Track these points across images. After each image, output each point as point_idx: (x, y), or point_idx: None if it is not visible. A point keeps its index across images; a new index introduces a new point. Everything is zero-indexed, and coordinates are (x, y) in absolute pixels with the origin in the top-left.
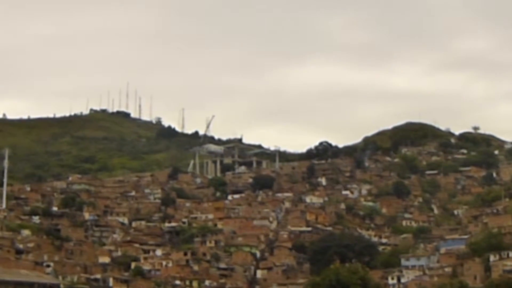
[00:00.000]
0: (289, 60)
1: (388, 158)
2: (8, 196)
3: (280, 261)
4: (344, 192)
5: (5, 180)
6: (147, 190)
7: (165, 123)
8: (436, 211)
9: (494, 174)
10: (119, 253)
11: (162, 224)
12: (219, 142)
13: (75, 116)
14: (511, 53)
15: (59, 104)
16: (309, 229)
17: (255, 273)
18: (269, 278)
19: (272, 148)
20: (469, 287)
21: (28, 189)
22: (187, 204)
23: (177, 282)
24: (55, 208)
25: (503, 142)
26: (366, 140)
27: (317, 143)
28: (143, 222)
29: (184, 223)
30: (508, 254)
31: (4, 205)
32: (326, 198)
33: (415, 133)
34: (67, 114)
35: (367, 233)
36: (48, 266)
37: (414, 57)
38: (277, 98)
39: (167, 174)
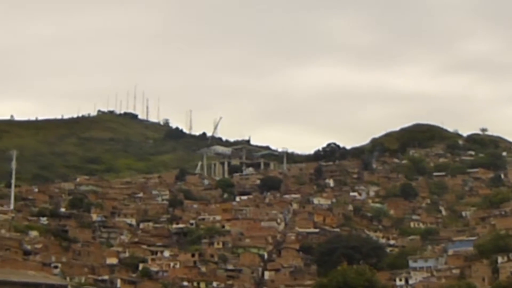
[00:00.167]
0: (298, 62)
1: (395, 160)
2: (15, 197)
3: (287, 263)
4: (351, 194)
5: (12, 181)
6: (154, 192)
7: (173, 124)
8: (443, 212)
9: (502, 176)
10: (127, 254)
11: (170, 226)
12: (226, 143)
13: (83, 117)
14: None
15: (66, 105)
16: (317, 230)
17: (262, 275)
18: (276, 280)
19: (279, 150)
20: None
21: (36, 190)
22: (195, 206)
23: (185, 283)
24: (62, 209)
25: (511, 143)
26: (374, 141)
27: (324, 145)
28: (150, 224)
29: (191, 224)
30: None
31: (11, 206)
32: (333, 200)
33: (422, 135)
34: (75, 115)
35: (374, 234)
36: (56, 267)
37: (421, 58)
38: (285, 100)
39: (174, 176)
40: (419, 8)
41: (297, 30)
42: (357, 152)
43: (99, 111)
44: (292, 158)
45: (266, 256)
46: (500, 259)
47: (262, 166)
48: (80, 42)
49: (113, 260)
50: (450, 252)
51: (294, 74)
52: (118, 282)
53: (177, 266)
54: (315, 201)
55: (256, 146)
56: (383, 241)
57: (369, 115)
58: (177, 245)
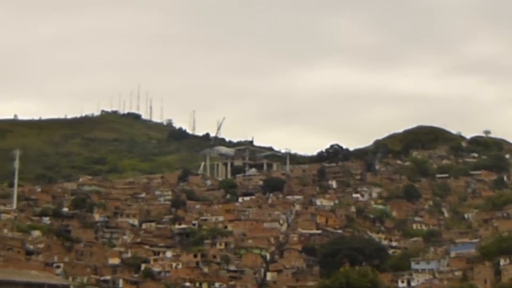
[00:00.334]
0: (301, 63)
1: (398, 161)
2: (18, 197)
3: (290, 264)
4: (354, 195)
5: (15, 181)
6: (157, 192)
7: (176, 125)
8: (446, 214)
9: (505, 178)
10: (129, 255)
11: (172, 226)
12: (229, 144)
13: (86, 117)
14: None
15: (70, 105)
16: (319, 232)
17: (265, 276)
18: (279, 281)
19: (282, 151)
20: None
21: (39, 190)
22: (197, 206)
23: (187, 284)
24: (65, 209)
25: None
26: (377, 143)
27: (328, 146)
28: (153, 224)
29: (194, 225)
30: None
31: (14, 206)
32: (336, 201)
33: (426, 137)
34: (78, 116)
35: (377, 236)
36: (58, 267)
37: (425, 60)
38: (288, 101)
39: (177, 176)
40: (422, 9)
41: (300, 31)
42: (360, 154)
43: (102, 111)
44: (295, 159)
45: (268, 257)
46: (502, 261)
47: (265, 167)
48: (84, 43)
49: (115, 260)
50: (453, 254)
51: (297, 75)
52: (121, 282)
53: (180, 266)
54: (318, 202)
55: (259, 147)
56: (385, 242)
57: (372, 117)
58: (180, 245)
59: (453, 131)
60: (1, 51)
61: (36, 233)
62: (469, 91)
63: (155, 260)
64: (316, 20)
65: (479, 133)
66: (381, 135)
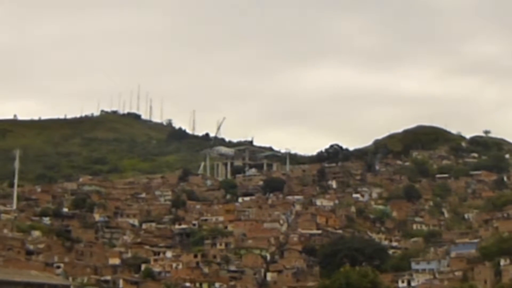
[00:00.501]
0: (301, 63)
1: (399, 162)
2: (18, 197)
3: (290, 264)
4: (354, 196)
5: (15, 181)
6: (157, 192)
7: (176, 125)
8: (446, 215)
9: (505, 178)
10: (129, 255)
11: (173, 226)
12: (229, 144)
13: (86, 117)
14: None
15: (70, 105)
16: (320, 232)
17: (265, 276)
18: (279, 281)
19: (283, 151)
20: None
21: (39, 190)
22: (198, 206)
23: (187, 284)
24: (65, 209)
25: None
26: (377, 143)
27: (328, 146)
28: (153, 224)
29: (194, 225)
30: None
31: (14, 206)
32: (336, 201)
33: (426, 137)
34: (78, 115)
35: (377, 236)
36: (58, 267)
37: (426, 61)
38: (288, 101)
39: (177, 176)
40: (422, 10)
41: (300, 32)
42: (360, 154)
43: (102, 111)
44: (295, 159)
45: (268, 257)
46: (503, 262)
47: (265, 167)
48: (84, 43)
49: (115, 261)
50: (453, 254)
51: (297, 75)
52: (121, 282)
53: (180, 266)
54: (318, 202)
55: (259, 147)
56: (386, 243)
57: (373, 117)
58: (180, 245)
59: (453, 131)
60: (1, 51)
61: (36, 233)
62: (469, 91)
63: (156, 260)
64: (316, 20)
65: (479, 133)
66: (381, 135)
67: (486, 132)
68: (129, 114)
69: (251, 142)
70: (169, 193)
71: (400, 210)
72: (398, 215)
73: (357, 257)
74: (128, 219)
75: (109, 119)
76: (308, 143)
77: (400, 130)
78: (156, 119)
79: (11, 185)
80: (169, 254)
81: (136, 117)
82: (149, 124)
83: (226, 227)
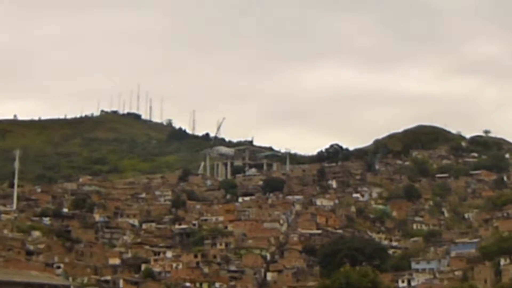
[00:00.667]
0: (301, 63)
1: (399, 161)
2: (18, 197)
3: (290, 264)
4: (354, 195)
5: (15, 181)
6: (157, 192)
7: (176, 125)
8: (446, 214)
9: (505, 178)
10: (130, 255)
11: (173, 226)
12: (229, 144)
13: (86, 117)
14: None
15: (70, 105)
16: (320, 232)
17: (265, 276)
18: (279, 281)
19: (283, 151)
20: None
21: (39, 190)
22: (198, 206)
23: (187, 284)
24: (65, 210)
25: None
26: (377, 143)
27: (328, 146)
28: (153, 224)
29: (194, 225)
30: None
31: (14, 206)
32: (336, 201)
33: (426, 137)
34: (78, 116)
35: (377, 236)
36: (59, 267)
37: (426, 61)
38: (288, 101)
39: (177, 176)
40: (422, 10)
41: (300, 32)
42: (360, 154)
43: (102, 111)
44: (295, 159)
45: (269, 257)
46: (503, 261)
47: (265, 167)
48: (84, 43)
49: (116, 261)
50: (453, 254)
51: (297, 75)
52: (121, 282)
53: (180, 266)
54: (318, 202)
55: (259, 147)
56: (386, 242)
57: (373, 117)
58: (180, 245)
59: (453, 131)
60: (1, 51)
61: (36, 233)
62: (469, 91)
63: (156, 260)
64: (316, 20)
65: (479, 133)
66: (381, 135)
67: (486, 131)
68: (129, 114)
69: (251, 142)
70: (169, 193)
71: (400, 210)
72: (398, 215)
73: (357, 257)
74: (128, 219)
75: (109, 119)
76: (308, 143)
77: (400, 129)
78: (156, 119)
79: (11, 186)
80: (169, 254)
81: (136, 117)
82: (149, 124)
83: (226, 227)
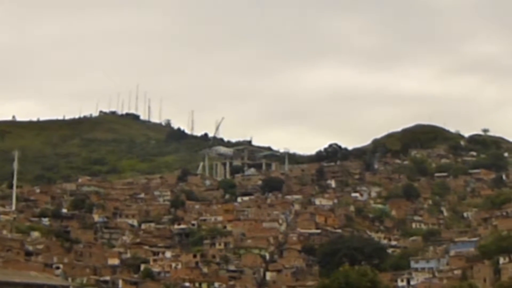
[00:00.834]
0: (300, 63)
1: (397, 161)
2: (17, 198)
3: (289, 263)
4: (353, 195)
5: (14, 182)
6: (156, 192)
7: (175, 125)
8: (445, 213)
9: (504, 177)
10: (129, 255)
11: (172, 226)
12: (228, 144)
13: (85, 118)
14: None
15: (68, 106)
16: (319, 231)
17: (264, 275)
18: (278, 280)
19: (281, 150)
20: None
21: (38, 191)
22: (197, 206)
23: (187, 284)
24: (64, 210)
25: None
26: (376, 142)
27: (326, 145)
28: (152, 224)
29: (193, 225)
30: None
31: (13, 207)
32: (335, 201)
33: (424, 136)
34: (77, 116)
35: (376, 235)
36: (58, 268)
37: (424, 60)
38: (287, 101)
39: (176, 176)
40: (422, 9)
41: (300, 32)
42: (359, 153)
43: (101, 111)
44: (294, 158)
45: (268, 257)
46: (502, 260)
47: (264, 166)
48: (83, 43)
49: (115, 261)
50: (452, 253)
51: (296, 75)
52: (120, 282)
53: (179, 267)
54: (317, 202)
55: (258, 147)
56: (385, 242)
57: (371, 116)
58: (179, 245)
59: (452, 130)
60: (1, 51)
61: (36, 234)
62: (468, 90)
63: (155, 260)
64: (316, 20)
65: (477, 131)
66: (379, 134)
67: (485, 130)
68: (127, 114)
69: (249, 142)
70: (168, 193)
71: (399, 209)
72: (397, 214)
73: (356, 256)
74: (127, 220)
75: (107, 119)
76: (307, 143)
77: (398, 129)
78: (155, 119)
79: (10, 186)
80: (168, 254)
81: (135, 117)
82: (147, 124)
83: (225, 227)
